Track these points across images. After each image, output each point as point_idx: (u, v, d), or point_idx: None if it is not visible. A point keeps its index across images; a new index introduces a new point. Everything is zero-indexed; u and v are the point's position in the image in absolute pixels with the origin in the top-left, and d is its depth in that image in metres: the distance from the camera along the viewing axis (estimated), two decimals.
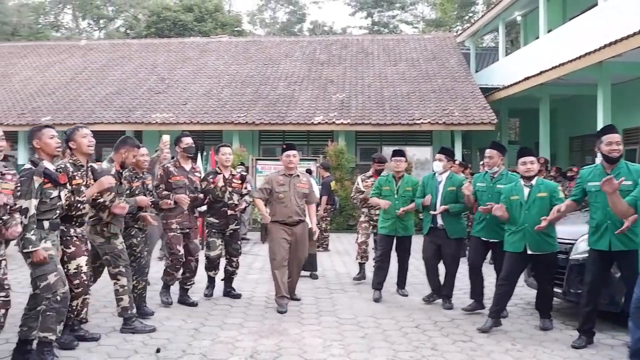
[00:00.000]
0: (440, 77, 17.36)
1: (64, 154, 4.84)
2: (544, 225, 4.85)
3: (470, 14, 35.38)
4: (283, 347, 4.62)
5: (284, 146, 6.18)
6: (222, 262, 6.36)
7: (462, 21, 35.42)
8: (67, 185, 4.25)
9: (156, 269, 6.67)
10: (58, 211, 4.14)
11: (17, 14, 34.19)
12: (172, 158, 6.40)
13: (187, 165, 6.10)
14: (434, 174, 6.20)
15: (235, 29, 33.07)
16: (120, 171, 5.04)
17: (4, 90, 18.20)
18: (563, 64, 11.80)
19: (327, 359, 4.37)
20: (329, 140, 15.19)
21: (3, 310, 3.69)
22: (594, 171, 4.69)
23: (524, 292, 6.32)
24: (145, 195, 5.43)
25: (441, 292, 6.12)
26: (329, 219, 10.65)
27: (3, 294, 3.69)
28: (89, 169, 4.55)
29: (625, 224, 4.17)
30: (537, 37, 16.39)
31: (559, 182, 8.64)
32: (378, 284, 6.40)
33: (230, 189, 6.23)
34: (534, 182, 5.15)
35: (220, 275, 6.41)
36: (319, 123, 15.12)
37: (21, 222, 3.79)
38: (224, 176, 6.23)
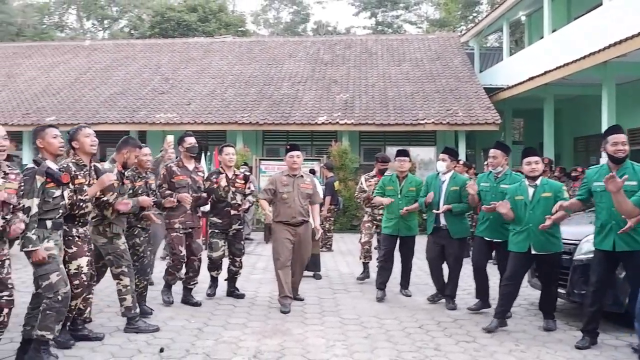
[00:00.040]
0: (444, 77, 17.34)
1: (68, 154, 4.85)
2: (549, 224, 4.84)
3: (475, 14, 35.36)
4: (286, 347, 4.61)
5: (288, 147, 6.18)
6: (225, 262, 6.36)
7: (466, 21, 35.40)
8: (70, 184, 4.25)
9: (159, 268, 6.68)
10: (61, 211, 4.15)
11: (22, 14, 34.36)
12: (177, 158, 6.42)
13: (190, 165, 6.11)
14: (438, 173, 6.20)
15: (239, 29, 33.13)
16: (122, 171, 5.05)
17: (9, 91, 18.27)
18: (567, 64, 11.76)
19: (330, 359, 4.37)
20: (333, 140, 15.19)
21: (6, 310, 3.70)
22: (599, 171, 4.67)
23: (528, 292, 6.30)
24: (148, 195, 5.44)
25: (444, 292, 6.11)
26: (332, 219, 10.65)
27: (6, 293, 3.69)
28: (93, 168, 4.56)
29: (628, 223, 4.14)
30: (542, 37, 16.35)
31: (562, 183, 8.61)
32: (381, 284, 6.40)
33: (233, 189, 6.24)
34: (538, 182, 5.14)
35: (223, 275, 6.41)
36: (323, 123, 15.11)
37: (24, 221, 3.80)
38: (227, 176, 6.23)
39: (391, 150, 12.61)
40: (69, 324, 4.52)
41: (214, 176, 6.25)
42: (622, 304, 4.97)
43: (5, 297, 3.68)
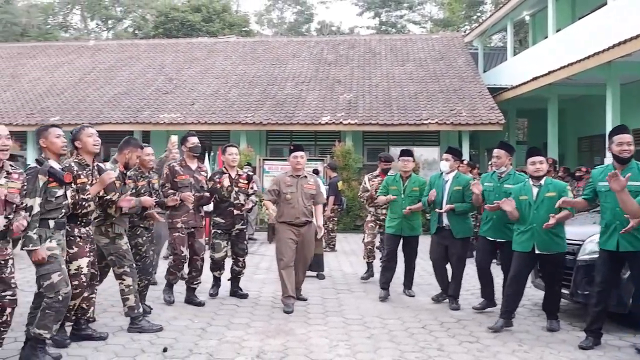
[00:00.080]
0: (448, 77, 17.31)
1: (71, 154, 4.86)
2: (553, 223, 4.82)
3: (479, 14, 35.28)
4: (289, 347, 4.61)
5: (292, 147, 6.18)
6: (228, 261, 6.37)
7: (470, 21, 35.33)
8: (72, 184, 4.26)
9: (162, 268, 6.68)
10: (64, 210, 4.16)
11: (26, 14, 34.43)
12: (180, 158, 6.42)
13: (193, 165, 6.11)
14: (441, 173, 6.20)
15: (243, 29, 33.15)
16: (124, 172, 5.05)
17: (13, 91, 18.33)
18: (572, 63, 11.73)
19: (333, 359, 4.37)
20: (337, 140, 15.17)
21: (9, 309, 3.71)
22: (605, 171, 4.65)
23: (531, 293, 6.29)
24: (151, 194, 5.44)
25: (447, 292, 6.11)
26: (336, 219, 10.65)
27: (9, 292, 3.70)
28: (96, 168, 4.57)
29: (630, 223, 4.13)
30: (546, 37, 16.30)
31: (566, 182, 8.59)
32: (384, 284, 6.39)
33: (236, 188, 6.24)
34: (542, 182, 5.13)
35: (226, 274, 6.42)
36: (327, 123, 15.11)
37: (26, 219, 3.81)
38: (230, 176, 6.24)
39: (395, 150, 12.61)
40: (72, 323, 4.53)
41: (217, 176, 6.26)
42: (625, 304, 4.95)
43: (8, 297, 3.69)
